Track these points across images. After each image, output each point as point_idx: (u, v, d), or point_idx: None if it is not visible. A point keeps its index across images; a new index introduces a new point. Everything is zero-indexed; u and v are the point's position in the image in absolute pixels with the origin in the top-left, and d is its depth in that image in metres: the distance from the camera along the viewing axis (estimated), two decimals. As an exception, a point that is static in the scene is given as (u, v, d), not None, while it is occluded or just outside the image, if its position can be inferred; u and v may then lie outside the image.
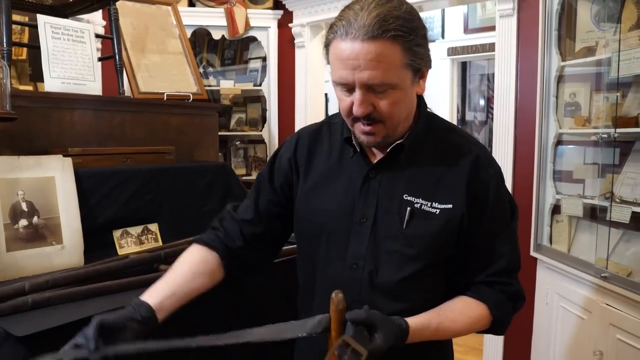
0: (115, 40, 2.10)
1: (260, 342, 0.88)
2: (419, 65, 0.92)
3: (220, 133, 3.80)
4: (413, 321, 0.91)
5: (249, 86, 3.65)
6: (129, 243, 1.81)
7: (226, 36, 3.49)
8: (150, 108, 2.19)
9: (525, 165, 2.54)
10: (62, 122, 1.86)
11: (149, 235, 1.88)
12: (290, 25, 3.42)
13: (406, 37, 0.86)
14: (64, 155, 1.63)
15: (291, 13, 3.42)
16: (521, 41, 2.51)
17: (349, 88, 0.91)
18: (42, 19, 1.83)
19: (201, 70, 3.72)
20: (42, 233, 1.52)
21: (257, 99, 3.82)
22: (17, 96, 1.68)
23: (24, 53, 2.94)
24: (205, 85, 3.78)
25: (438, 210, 0.96)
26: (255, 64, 3.70)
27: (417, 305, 0.96)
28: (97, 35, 2.10)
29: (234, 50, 3.86)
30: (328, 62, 0.92)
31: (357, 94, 0.90)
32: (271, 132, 3.66)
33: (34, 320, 1.11)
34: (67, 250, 1.57)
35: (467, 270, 1.01)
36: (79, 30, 1.95)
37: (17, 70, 2.97)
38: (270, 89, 3.58)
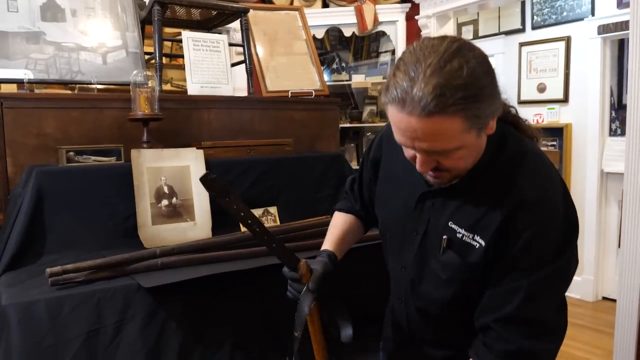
0: (246, 47, 2.42)
1: None
2: (484, 124, 0.85)
3: (352, 125, 4.03)
4: None
5: (379, 79, 3.78)
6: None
7: (356, 33, 3.67)
8: (275, 105, 2.46)
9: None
10: (201, 120, 2.23)
11: (269, 217, 2.15)
12: (416, 17, 3.48)
13: (468, 107, 0.79)
14: (198, 148, 1.97)
15: (418, 5, 3.47)
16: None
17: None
18: (185, 35, 2.21)
19: (334, 66, 3.96)
20: (179, 211, 1.87)
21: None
22: (165, 100, 2.07)
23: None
24: (338, 80, 4.03)
25: (478, 245, 0.92)
26: (385, 58, 3.82)
27: (453, 327, 1.02)
28: (231, 44, 2.43)
29: (364, 45, 4.03)
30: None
31: (418, 156, 0.88)
32: (401, 123, 3.75)
33: (160, 277, 1.42)
34: (199, 226, 1.90)
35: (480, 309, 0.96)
36: (215, 41, 2.29)
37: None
38: (399, 81, 3.66)
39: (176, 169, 1.90)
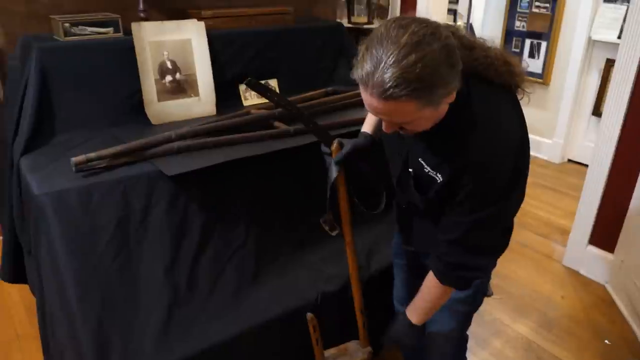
0: None
1: None
2: (439, 102, 0.93)
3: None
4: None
5: None
6: (252, 96, 2.10)
7: None
8: (272, -34, 2.28)
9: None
10: (198, -17, 2.07)
11: (269, 90, 2.15)
12: None
13: (420, 96, 0.88)
14: (198, 19, 1.87)
15: None
16: None
17: None
18: None
19: None
20: (183, 87, 1.85)
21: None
22: (158, -40, 1.90)
23: None
24: None
25: (439, 180, 1.08)
26: None
27: (434, 214, 1.18)
28: None
29: None
30: None
31: (383, 122, 1.01)
32: (396, -22, 3.54)
33: (179, 163, 1.47)
34: (203, 101, 1.90)
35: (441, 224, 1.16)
36: None
37: None
38: None
39: (178, 43, 1.83)
